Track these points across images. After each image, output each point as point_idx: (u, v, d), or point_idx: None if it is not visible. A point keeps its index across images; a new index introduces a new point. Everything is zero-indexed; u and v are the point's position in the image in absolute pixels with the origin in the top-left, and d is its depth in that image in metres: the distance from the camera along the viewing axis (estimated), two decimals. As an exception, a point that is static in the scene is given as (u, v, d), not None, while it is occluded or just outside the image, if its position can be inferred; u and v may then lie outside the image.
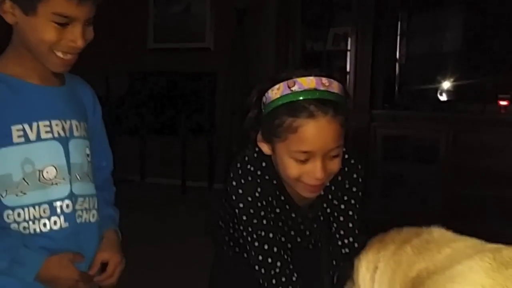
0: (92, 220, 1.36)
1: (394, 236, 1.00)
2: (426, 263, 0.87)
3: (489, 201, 4.22)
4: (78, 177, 1.33)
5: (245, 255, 1.44)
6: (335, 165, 1.30)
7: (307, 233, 1.53)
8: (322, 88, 1.24)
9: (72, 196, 1.31)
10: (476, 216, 4.20)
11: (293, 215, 1.46)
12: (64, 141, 1.31)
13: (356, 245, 1.40)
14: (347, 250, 1.40)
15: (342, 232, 1.42)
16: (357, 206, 1.42)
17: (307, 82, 1.24)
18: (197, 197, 5.25)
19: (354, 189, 1.43)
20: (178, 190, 5.62)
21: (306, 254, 1.61)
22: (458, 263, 0.81)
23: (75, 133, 1.34)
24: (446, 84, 4.71)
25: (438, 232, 0.95)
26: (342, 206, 1.42)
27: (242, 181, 1.36)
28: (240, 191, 1.36)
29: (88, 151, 1.38)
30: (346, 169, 1.38)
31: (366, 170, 1.44)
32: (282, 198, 1.41)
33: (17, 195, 1.24)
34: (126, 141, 5.76)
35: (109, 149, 1.55)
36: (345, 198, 1.42)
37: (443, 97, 4.70)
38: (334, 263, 1.41)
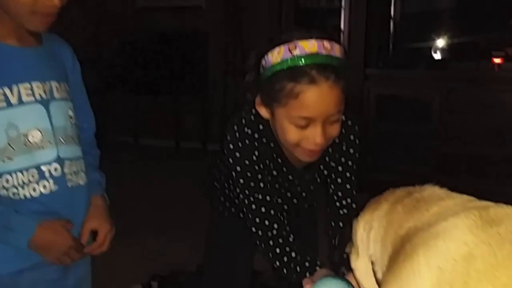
0: (81, 183, 1.35)
1: (388, 196, 1.01)
2: (414, 222, 0.87)
3: (483, 159, 4.26)
4: (63, 140, 1.31)
5: (241, 215, 1.45)
6: (335, 130, 1.29)
7: (304, 194, 1.54)
8: (324, 52, 1.21)
9: (59, 160, 1.29)
10: (470, 174, 4.24)
11: (290, 177, 1.46)
12: (46, 103, 1.28)
13: (354, 206, 1.41)
14: (345, 211, 1.41)
15: (340, 194, 1.42)
16: (354, 167, 1.42)
17: (309, 45, 1.21)
18: (191, 158, 5.27)
19: (351, 151, 1.42)
20: (172, 151, 5.63)
21: (303, 215, 1.63)
22: (443, 220, 0.82)
23: (56, 95, 1.31)
24: (440, 42, 4.68)
25: (429, 191, 0.95)
26: (340, 168, 1.42)
27: (239, 144, 1.35)
28: (237, 154, 1.35)
29: (70, 113, 1.35)
30: (343, 131, 1.37)
31: (359, 129, 1.43)
32: (279, 160, 1.41)
33: (3, 161, 1.22)
34: (119, 102, 5.74)
35: (90, 109, 1.51)
36: (343, 160, 1.42)
37: (437, 55, 4.68)
38: (333, 224, 1.42)
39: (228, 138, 1.36)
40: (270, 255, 1.32)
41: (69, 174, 1.31)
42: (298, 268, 1.26)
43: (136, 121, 5.89)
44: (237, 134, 1.36)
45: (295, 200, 1.53)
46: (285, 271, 1.30)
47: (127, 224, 3.53)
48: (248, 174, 1.34)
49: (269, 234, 1.32)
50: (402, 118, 4.43)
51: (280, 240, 1.31)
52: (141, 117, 5.87)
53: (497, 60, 4.28)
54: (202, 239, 1.77)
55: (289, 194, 1.51)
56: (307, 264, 1.25)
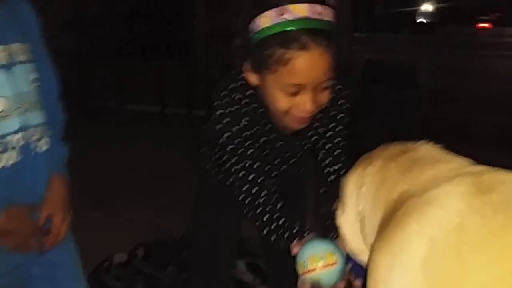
0: (44, 149, 1.30)
1: (381, 152, 0.99)
2: (408, 185, 0.86)
3: (468, 125, 4.29)
4: (27, 107, 1.25)
5: (228, 183, 1.43)
6: (325, 96, 1.27)
7: (293, 161, 1.52)
8: (315, 17, 1.17)
9: (23, 129, 1.24)
10: (454, 140, 4.26)
11: (279, 143, 1.44)
12: (8, 67, 1.21)
13: (342, 172, 1.39)
14: (333, 177, 1.39)
15: (328, 160, 1.40)
16: (344, 133, 1.40)
17: (299, 9, 1.16)
18: (177, 124, 5.23)
19: (341, 116, 1.40)
20: (156, 117, 5.58)
21: (291, 182, 1.61)
22: (437, 186, 0.80)
23: (20, 58, 1.24)
24: (427, 7, 4.65)
25: (424, 150, 0.93)
26: (328, 134, 1.40)
27: (228, 110, 1.32)
28: (226, 120, 1.32)
29: (33, 76, 1.29)
30: (333, 96, 1.33)
31: (349, 95, 1.41)
32: (268, 127, 1.38)
33: None
34: (102, 68, 5.64)
35: (52, 71, 1.41)
36: (331, 125, 1.40)
37: (424, 20, 4.66)
38: (321, 190, 1.41)
39: (217, 104, 1.33)
40: (258, 222, 1.31)
41: (32, 142, 1.27)
42: (286, 235, 1.25)
43: (119, 86, 5.80)
44: (226, 100, 1.32)
45: (284, 166, 1.52)
46: (273, 238, 1.29)
47: (111, 191, 3.52)
48: (237, 140, 1.32)
49: (257, 201, 1.31)
50: (388, 82, 4.43)
51: (268, 208, 1.30)
52: (124, 82, 5.77)
53: (482, 25, 4.28)
54: (188, 207, 1.76)
55: (277, 160, 1.49)
56: (295, 230, 1.24)
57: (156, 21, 5.49)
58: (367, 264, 0.87)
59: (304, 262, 1.13)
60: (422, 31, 4.52)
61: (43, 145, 1.30)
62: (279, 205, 1.30)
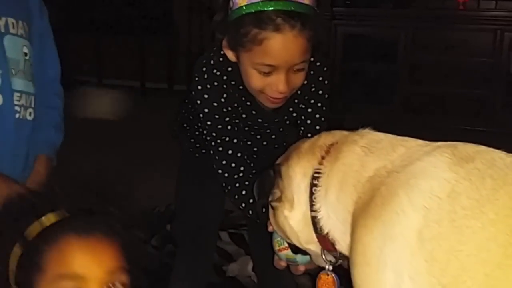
0: (29, 118, 1.39)
1: (328, 139, 0.99)
2: (383, 162, 0.87)
3: (446, 97, 4.34)
4: (13, 72, 1.34)
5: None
6: (298, 79, 1.28)
7: (273, 136, 1.54)
8: None
9: (3, 90, 1.32)
10: (434, 112, 4.33)
11: (260, 120, 1.46)
12: None
13: None
14: None
15: (309, 135, 1.43)
16: (324, 108, 1.42)
17: None
18: (158, 98, 5.20)
19: (320, 92, 1.42)
20: (137, 92, 5.54)
21: (272, 158, 1.64)
22: (418, 159, 0.82)
23: (11, 30, 1.34)
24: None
25: (380, 134, 0.94)
26: (309, 110, 1.42)
27: (208, 86, 1.34)
28: (206, 96, 1.34)
29: (26, 50, 1.38)
30: (312, 72, 1.36)
31: (328, 70, 1.43)
32: (248, 103, 1.40)
33: None
34: (82, 41, 5.56)
35: (57, 56, 1.53)
36: (312, 101, 1.42)
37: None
38: None
39: (197, 79, 1.35)
40: (236, 196, 1.34)
41: (17, 106, 1.35)
42: (263, 210, 1.28)
43: (99, 61, 5.74)
44: (206, 76, 1.34)
45: (264, 142, 1.54)
46: (250, 212, 1.32)
47: (93, 165, 3.51)
48: (216, 116, 1.34)
49: (235, 176, 1.33)
50: (368, 57, 4.45)
51: (246, 183, 1.32)
52: (104, 57, 5.72)
53: (462, -1, 4.30)
54: (171, 180, 1.77)
55: (258, 136, 1.51)
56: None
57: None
58: (351, 244, 0.87)
59: (280, 239, 1.16)
60: (401, 4, 4.51)
61: (27, 114, 1.38)
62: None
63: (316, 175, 0.96)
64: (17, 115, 1.35)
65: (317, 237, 0.98)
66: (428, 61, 4.35)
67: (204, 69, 1.35)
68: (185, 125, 1.62)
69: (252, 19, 1.19)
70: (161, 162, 3.33)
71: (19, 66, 1.36)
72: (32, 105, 1.40)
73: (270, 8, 1.17)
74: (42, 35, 1.47)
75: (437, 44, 4.27)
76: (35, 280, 0.84)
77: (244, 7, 1.20)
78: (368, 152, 0.91)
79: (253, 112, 1.43)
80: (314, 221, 0.97)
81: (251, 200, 1.31)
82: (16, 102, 1.35)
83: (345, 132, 1.00)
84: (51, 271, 0.83)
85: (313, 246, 1.02)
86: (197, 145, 1.60)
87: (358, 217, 0.86)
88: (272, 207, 1.07)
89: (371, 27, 4.49)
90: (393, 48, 4.37)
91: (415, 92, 4.40)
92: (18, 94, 1.36)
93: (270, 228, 1.18)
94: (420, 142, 0.89)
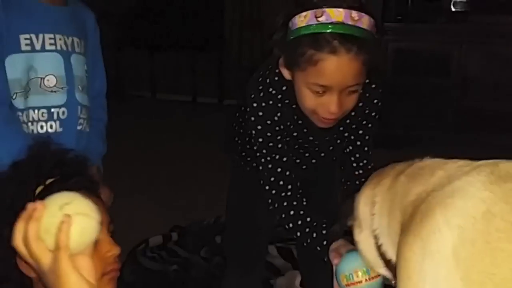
0: (87, 130, 1.53)
1: (389, 171, 1.01)
2: (422, 186, 0.88)
3: (501, 114, 4.21)
4: (80, 88, 1.49)
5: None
6: (351, 101, 1.29)
7: (322, 154, 1.55)
8: (350, 23, 1.19)
9: (69, 104, 1.45)
10: (487, 130, 4.21)
11: (310, 138, 1.47)
12: (65, 54, 1.46)
13: (369, 166, 1.43)
14: (361, 172, 1.43)
15: (357, 155, 1.45)
16: (374, 130, 1.44)
17: (336, 14, 1.18)
18: (208, 113, 5.29)
19: (373, 114, 1.43)
20: (189, 106, 5.66)
21: (321, 176, 1.65)
22: (456, 179, 0.82)
23: (76, 49, 1.49)
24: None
25: (429, 160, 0.95)
26: (361, 131, 1.44)
27: (263, 104, 1.36)
28: (260, 113, 1.36)
29: (86, 67, 1.53)
30: (367, 95, 1.37)
31: (382, 92, 1.43)
32: (300, 122, 1.42)
33: (25, 98, 1.40)
34: (135, 57, 5.74)
35: (104, 71, 1.67)
36: (364, 122, 1.43)
37: (456, 8, 4.58)
38: (348, 183, 1.45)
39: (252, 96, 1.37)
40: (283, 215, 1.35)
41: (81, 118, 1.49)
42: (314, 234, 1.29)
43: (153, 76, 5.90)
44: (262, 94, 1.36)
45: (313, 160, 1.55)
46: (298, 234, 1.33)
47: (146, 178, 3.61)
48: (268, 134, 1.36)
49: (283, 194, 1.35)
50: (420, 72, 4.39)
51: (294, 203, 1.33)
52: (157, 72, 5.87)
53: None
54: (220, 192, 1.80)
55: (307, 154, 1.53)
56: (324, 232, 1.28)
57: (186, 11, 5.54)
58: (396, 260, 0.88)
59: (350, 274, 1.16)
60: (455, 20, 4.44)
61: (86, 126, 1.52)
62: (304, 202, 1.34)
63: (373, 204, 1.00)
64: (79, 127, 1.48)
65: (385, 263, 1.01)
66: (482, 77, 4.25)
67: (260, 87, 1.37)
68: (236, 139, 1.64)
69: (310, 40, 1.21)
70: (211, 174, 3.39)
71: (83, 82, 1.50)
72: (89, 119, 1.54)
73: (328, 31, 1.19)
74: (94, 52, 1.60)
75: (491, 59, 4.17)
76: None
77: (302, 28, 1.22)
78: (411, 179, 0.93)
79: (305, 130, 1.44)
80: (378, 248, 0.99)
81: (299, 222, 1.32)
82: (81, 115, 1.48)
83: (406, 162, 1.01)
84: None
85: (383, 271, 1.05)
86: (248, 159, 1.63)
87: (402, 234, 0.87)
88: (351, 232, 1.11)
89: (423, 42, 4.43)
90: (446, 63, 4.30)
91: (468, 109, 4.29)
92: (80, 108, 1.48)
93: (335, 262, 1.19)
94: (461, 162, 0.88)
